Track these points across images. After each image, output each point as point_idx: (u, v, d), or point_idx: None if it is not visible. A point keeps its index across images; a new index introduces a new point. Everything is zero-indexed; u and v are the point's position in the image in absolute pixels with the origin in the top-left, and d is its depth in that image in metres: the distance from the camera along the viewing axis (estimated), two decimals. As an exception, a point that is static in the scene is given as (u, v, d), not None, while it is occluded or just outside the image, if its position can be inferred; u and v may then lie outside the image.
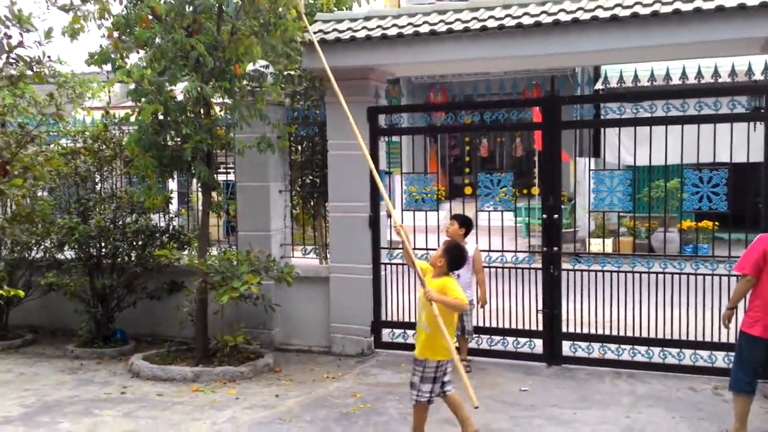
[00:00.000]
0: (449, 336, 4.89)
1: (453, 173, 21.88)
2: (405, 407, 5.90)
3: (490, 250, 7.66)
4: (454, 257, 5.17)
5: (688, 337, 6.96)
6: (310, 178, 9.06)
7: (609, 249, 12.56)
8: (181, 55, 6.77)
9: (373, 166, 5.70)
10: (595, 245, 13.35)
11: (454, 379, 5.18)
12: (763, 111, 6.55)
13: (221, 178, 8.77)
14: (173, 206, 10.13)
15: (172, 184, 11.89)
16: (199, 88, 6.59)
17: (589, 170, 7.30)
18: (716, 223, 10.82)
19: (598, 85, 13.57)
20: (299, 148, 9.10)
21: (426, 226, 7.77)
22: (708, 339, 6.84)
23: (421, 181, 7.96)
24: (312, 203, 9.22)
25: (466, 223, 7.13)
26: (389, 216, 8.50)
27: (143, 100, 6.85)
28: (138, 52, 7.32)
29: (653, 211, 13.10)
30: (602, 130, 7.73)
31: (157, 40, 6.76)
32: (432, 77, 18.80)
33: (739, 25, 6.13)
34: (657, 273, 7.03)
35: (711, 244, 7.49)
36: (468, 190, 13.57)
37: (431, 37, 7.07)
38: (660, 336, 7.10)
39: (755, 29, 6.11)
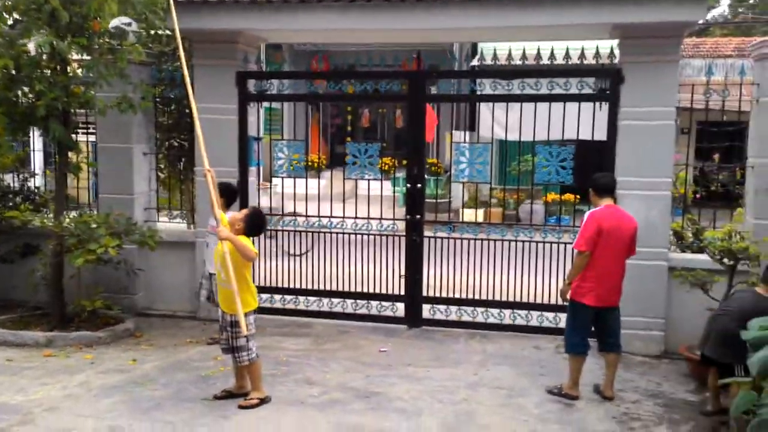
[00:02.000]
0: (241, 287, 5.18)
1: (336, 142, 21.97)
2: (265, 369, 5.99)
3: (356, 218, 7.85)
4: (254, 223, 5.40)
5: (536, 300, 7.46)
6: (178, 141, 8.86)
7: (481, 219, 13.08)
8: (34, 8, 6.41)
9: (199, 131, 5.77)
10: (468, 215, 13.90)
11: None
12: (608, 92, 7.03)
13: (87, 139, 8.42)
14: (37, 167, 9.62)
15: (38, 145, 11.27)
16: (52, 43, 6.28)
17: (450, 143, 7.61)
18: (577, 196, 11.54)
19: (474, 62, 14.04)
20: (166, 110, 8.87)
21: (294, 193, 7.84)
22: (553, 302, 7.36)
23: (292, 147, 7.99)
24: (180, 167, 9.03)
25: (226, 192, 7.04)
26: (262, 183, 8.52)
27: (-7, 53, 6.47)
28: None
29: (521, 185, 13.77)
30: (477, 105, 8.01)
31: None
32: (315, 45, 18.67)
33: (588, 11, 6.55)
34: (510, 240, 7.48)
35: (559, 216, 8.00)
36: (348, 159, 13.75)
37: (300, 5, 7.07)
38: (511, 299, 7.56)
39: (600, 15, 6.55)
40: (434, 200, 9.24)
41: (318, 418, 5.18)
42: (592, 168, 6.61)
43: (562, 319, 7.27)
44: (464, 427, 5.10)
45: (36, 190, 8.46)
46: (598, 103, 7.13)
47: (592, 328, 5.79)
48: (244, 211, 5.51)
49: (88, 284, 7.51)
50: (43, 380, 5.85)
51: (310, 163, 16.89)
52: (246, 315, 5.17)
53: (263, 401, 5.38)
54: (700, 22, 6.60)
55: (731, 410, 4.28)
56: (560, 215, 8.10)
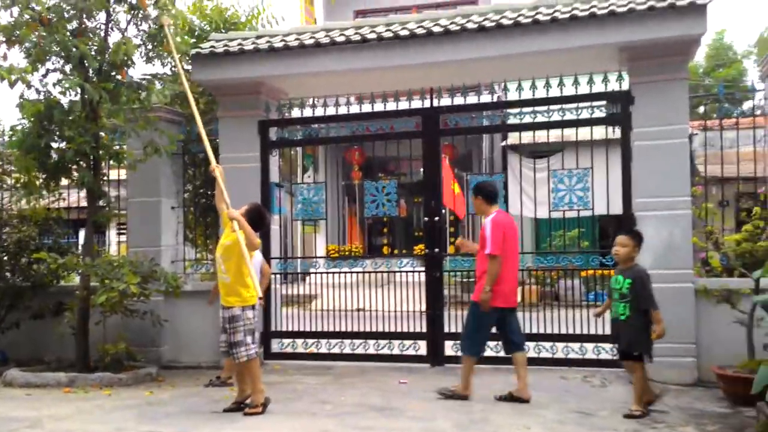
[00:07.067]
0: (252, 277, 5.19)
1: (373, 233, 22.08)
2: (280, 395, 5.89)
3: (375, 256, 7.88)
4: (252, 219, 5.49)
5: (560, 331, 7.22)
6: (206, 196, 9.09)
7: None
8: (64, 56, 6.88)
9: (205, 137, 6.19)
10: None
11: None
12: (619, 115, 7.06)
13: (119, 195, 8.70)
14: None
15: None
16: (82, 86, 6.67)
17: (466, 177, 7.69)
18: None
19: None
20: (195, 172, 9.17)
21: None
22: (578, 332, 7.12)
23: (311, 190, 8.16)
24: (208, 221, 9.22)
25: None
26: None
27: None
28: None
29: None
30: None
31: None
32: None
33: (593, 32, 6.70)
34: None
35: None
36: (385, 250, 13.84)
37: (317, 49, 7.45)
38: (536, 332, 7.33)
39: (605, 35, 6.69)
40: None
41: (328, 423, 5.04)
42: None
43: (588, 350, 7.04)
44: (475, 426, 4.91)
45: (68, 246, 8.70)
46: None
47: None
48: (245, 207, 5.59)
49: (114, 336, 7.54)
50: (58, 404, 5.87)
51: (347, 252, 17.12)
52: (244, 309, 5.15)
53: (265, 404, 5.26)
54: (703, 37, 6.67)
55: (753, 388, 4.06)
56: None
